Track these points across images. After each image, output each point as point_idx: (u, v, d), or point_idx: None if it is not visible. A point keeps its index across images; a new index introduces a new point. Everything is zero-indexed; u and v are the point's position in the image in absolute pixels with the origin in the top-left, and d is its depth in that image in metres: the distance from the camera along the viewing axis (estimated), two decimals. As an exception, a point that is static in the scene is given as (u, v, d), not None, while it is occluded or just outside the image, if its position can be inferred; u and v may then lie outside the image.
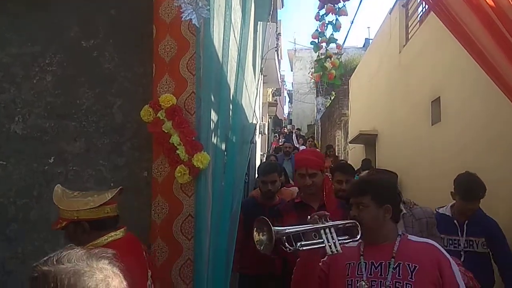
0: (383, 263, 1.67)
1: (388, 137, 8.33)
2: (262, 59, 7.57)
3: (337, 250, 1.67)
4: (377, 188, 1.76)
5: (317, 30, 6.51)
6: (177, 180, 2.42)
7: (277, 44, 12.98)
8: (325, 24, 6.35)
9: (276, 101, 21.27)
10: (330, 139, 15.33)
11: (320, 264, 1.84)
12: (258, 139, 9.40)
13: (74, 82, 2.69)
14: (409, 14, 7.61)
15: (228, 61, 2.98)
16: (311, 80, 20.47)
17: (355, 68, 12.69)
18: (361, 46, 19.80)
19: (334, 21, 6.25)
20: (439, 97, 5.44)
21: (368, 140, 9.59)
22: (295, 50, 25.08)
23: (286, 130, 19.32)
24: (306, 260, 1.80)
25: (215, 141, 3.04)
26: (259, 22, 6.83)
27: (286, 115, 30.00)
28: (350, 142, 11.04)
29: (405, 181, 6.01)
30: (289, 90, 29.60)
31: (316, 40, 6.59)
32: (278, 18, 13.80)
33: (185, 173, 2.38)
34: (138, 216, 2.60)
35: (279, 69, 16.49)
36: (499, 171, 3.91)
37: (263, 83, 11.96)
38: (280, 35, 14.79)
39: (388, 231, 1.75)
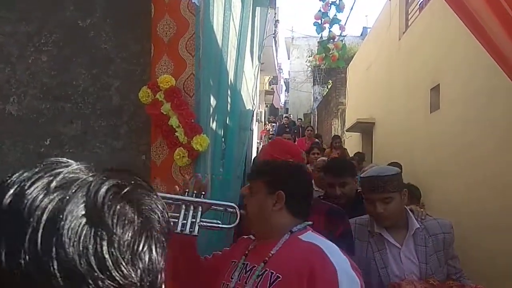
0: (254, 268, 1.34)
1: (386, 125, 8.32)
2: (260, 45, 7.49)
3: (190, 232, 1.41)
4: (273, 171, 1.45)
5: (320, 10, 6.36)
6: (176, 163, 2.39)
7: (275, 31, 12.87)
8: (329, 4, 6.20)
9: (273, 89, 21.19)
10: (326, 127, 15.32)
11: (219, 252, 1.61)
12: (254, 127, 9.36)
13: (70, 63, 2.63)
14: (409, 1, 7.54)
15: (228, 44, 2.93)
16: (308, 68, 20.39)
17: (353, 56, 12.62)
18: (359, 34, 19.68)
19: (337, 1, 6.11)
20: (439, 84, 5.42)
21: (365, 128, 9.58)
22: (293, 38, 24.90)
23: (284, 120, 17.35)
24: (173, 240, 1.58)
25: (213, 126, 3.01)
26: (257, 8, 6.74)
27: (283, 103, 29.92)
28: (347, 131, 11.04)
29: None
30: (285, 78, 29.48)
31: (319, 21, 6.45)
32: (277, 5, 13.64)
33: (184, 156, 2.35)
34: (136, 199, 2.57)
35: (277, 57, 16.37)
36: (496, 158, 3.91)
37: (260, 70, 11.86)
38: (278, 22, 14.65)
39: (276, 225, 1.38)
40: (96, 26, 2.62)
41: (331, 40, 6.55)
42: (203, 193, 1.50)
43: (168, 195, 1.48)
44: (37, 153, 2.59)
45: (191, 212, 1.44)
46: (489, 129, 4.09)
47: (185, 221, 1.42)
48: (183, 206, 1.45)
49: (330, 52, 6.64)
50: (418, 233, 1.90)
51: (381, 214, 1.87)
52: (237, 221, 1.46)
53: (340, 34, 7.01)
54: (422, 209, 2.07)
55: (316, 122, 18.59)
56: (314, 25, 6.62)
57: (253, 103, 5.20)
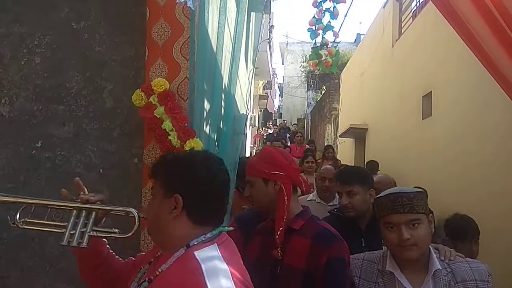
0: (144, 282, 1.14)
1: (378, 131, 8.37)
2: (255, 50, 7.52)
3: (78, 243, 1.19)
4: (168, 170, 1.19)
5: (314, 17, 6.39)
6: (169, 167, 2.38)
7: (269, 36, 12.93)
8: (323, 11, 6.24)
9: (267, 94, 21.25)
10: (320, 133, 15.37)
11: (132, 258, 1.42)
12: (248, 131, 9.37)
13: (63, 65, 2.61)
14: (402, 9, 7.63)
15: (223, 48, 2.94)
16: (302, 73, 20.48)
17: (346, 63, 12.71)
18: (353, 41, 19.83)
19: (331, 8, 6.15)
20: (431, 91, 5.47)
21: (358, 134, 9.64)
22: (287, 44, 25.02)
23: (274, 128, 16.88)
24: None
25: (207, 130, 3.00)
26: (252, 13, 6.77)
27: (276, 108, 30.00)
28: (340, 136, 11.09)
29: (393, 174, 6.05)
30: (279, 83, 29.59)
31: (313, 27, 6.47)
32: (271, 11, 13.72)
33: (177, 160, 2.34)
34: (128, 203, 2.52)
35: (271, 62, 16.42)
36: (488, 166, 3.95)
37: (254, 75, 11.80)
38: (273, 27, 14.73)
39: (172, 236, 1.14)
40: (90, 28, 2.61)
41: (325, 46, 6.57)
42: (100, 198, 1.30)
43: (55, 202, 1.28)
44: (29, 156, 2.57)
45: (81, 219, 1.24)
46: (481, 136, 4.13)
47: (73, 231, 1.21)
48: (74, 212, 1.24)
49: (322, 59, 6.66)
50: (441, 277, 1.51)
51: (407, 242, 1.48)
52: (134, 229, 1.24)
53: (334, 40, 7.04)
54: (451, 249, 1.65)
55: (309, 127, 18.65)
56: (308, 31, 6.65)
57: (247, 108, 5.21)
